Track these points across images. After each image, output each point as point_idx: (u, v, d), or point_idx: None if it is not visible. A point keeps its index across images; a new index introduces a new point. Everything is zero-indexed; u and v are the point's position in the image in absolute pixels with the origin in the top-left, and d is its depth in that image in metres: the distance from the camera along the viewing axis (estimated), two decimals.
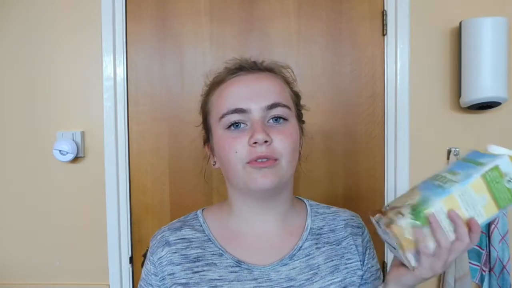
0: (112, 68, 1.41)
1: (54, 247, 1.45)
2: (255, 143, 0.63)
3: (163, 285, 0.71)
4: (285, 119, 0.67)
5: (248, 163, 0.64)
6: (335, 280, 0.70)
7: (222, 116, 0.67)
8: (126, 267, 1.44)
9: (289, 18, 1.41)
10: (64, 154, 1.37)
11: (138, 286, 0.76)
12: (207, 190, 1.41)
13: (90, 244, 1.44)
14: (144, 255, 1.29)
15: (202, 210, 0.79)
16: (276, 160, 0.64)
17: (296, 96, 0.75)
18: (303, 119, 0.77)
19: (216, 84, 0.72)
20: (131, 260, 1.45)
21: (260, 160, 0.63)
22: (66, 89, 1.43)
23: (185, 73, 1.42)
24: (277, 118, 0.66)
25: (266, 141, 0.63)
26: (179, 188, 1.43)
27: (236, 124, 0.66)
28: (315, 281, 0.69)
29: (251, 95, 0.66)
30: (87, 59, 1.42)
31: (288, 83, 0.74)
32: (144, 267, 0.76)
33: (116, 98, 1.42)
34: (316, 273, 0.70)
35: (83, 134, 1.43)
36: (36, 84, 1.43)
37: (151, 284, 0.72)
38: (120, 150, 1.42)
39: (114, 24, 1.40)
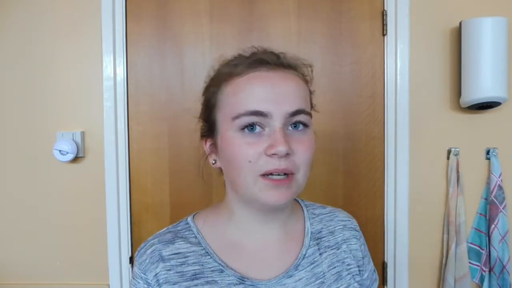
0: (112, 68, 1.41)
1: (54, 247, 1.45)
2: (274, 154, 0.56)
3: None
4: (305, 125, 0.61)
5: (261, 175, 0.57)
6: None
7: (237, 116, 0.58)
8: (126, 267, 1.44)
9: (289, 18, 1.41)
10: (64, 154, 1.37)
11: None
12: (207, 190, 1.41)
13: (90, 244, 1.44)
14: None
15: (193, 216, 0.71)
16: (293, 174, 0.58)
17: (311, 96, 0.68)
18: None
19: (229, 75, 0.62)
20: (131, 260, 1.45)
21: (276, 175, 0.57)
22: (66, 89, 1.43)
23: (185, 73, 1.42)
24: (296, 124, 0.59)
25: (287, 154, 0.56)
26: (179, 188, 1.43)
27: (251, 127, 0.58)
28: None
29: (274, 98, 0.58)
30: (87, 59, 1.42)
31: (306, 82, 0.66)
32: (133, 286, 0.65)
33: (116, 98, 1.42)
34: (323, 282, 0.66)
35: (83, 134, 1.43)
36: (36, 84, 1.43)
37: None
38: (120, 150, 1.43)
39: (114, 24, 1.40)
